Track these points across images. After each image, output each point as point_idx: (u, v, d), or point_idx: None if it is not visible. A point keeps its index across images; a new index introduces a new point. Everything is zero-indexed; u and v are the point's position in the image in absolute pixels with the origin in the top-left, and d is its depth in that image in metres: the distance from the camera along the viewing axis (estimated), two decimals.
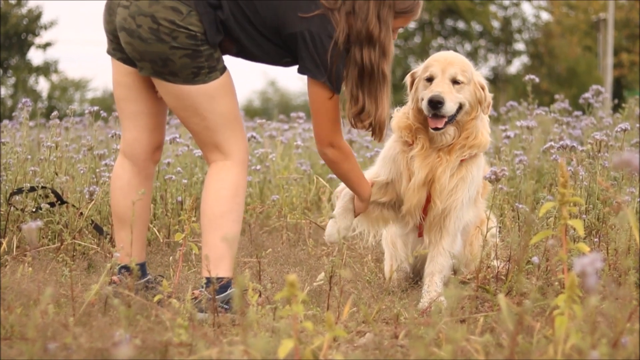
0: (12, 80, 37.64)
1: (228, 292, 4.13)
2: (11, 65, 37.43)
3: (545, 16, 44.32)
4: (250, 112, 35.35)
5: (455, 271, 4.87)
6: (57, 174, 6.24)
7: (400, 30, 4.58)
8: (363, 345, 3.47)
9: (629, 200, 5.21)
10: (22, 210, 5.62)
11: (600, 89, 8.70)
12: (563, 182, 3.17)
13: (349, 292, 4.43)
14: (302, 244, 6.10)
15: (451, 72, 4.50)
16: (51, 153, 6.43)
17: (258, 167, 7.48)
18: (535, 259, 4.20)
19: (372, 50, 4.23)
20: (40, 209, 5.57)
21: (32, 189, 5.70)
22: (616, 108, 9.68)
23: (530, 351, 3.00)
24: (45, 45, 37.80)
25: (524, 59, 44.18)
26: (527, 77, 7.87)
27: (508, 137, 7.55)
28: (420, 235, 4.72)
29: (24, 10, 37.10)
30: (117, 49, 4.27)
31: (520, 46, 43.83)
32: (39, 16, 37.20)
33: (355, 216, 4.70)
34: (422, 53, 41.36)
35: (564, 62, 40.82)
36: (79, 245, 5.56)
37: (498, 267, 4.55)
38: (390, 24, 4.28)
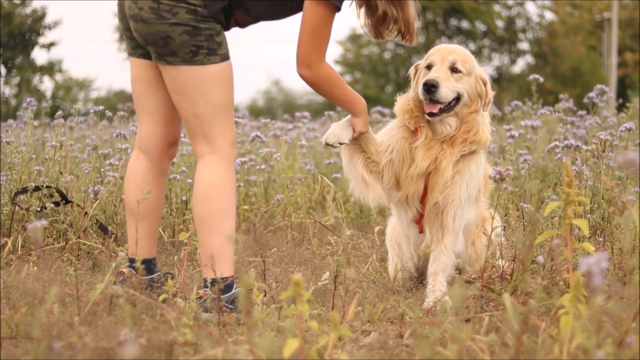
0: (16, 80, 37.71)
1: (233, 291, 4.13)
2: (15, 65, 37.49)
3: (549, 16, 44.33)
4: (255, 112, 35.36)
5: (459, 270, 4.87)
6: (61, 174, 6.25)
7: None
8: (368, 345, 3.47)
9: (633, 200, 5.21)
10: (27, 209, 5.63)
11: (605, 88, 8.68)
12: (568, 181, 3.17)
13: (353, 292, 4.43)
14: (306, 243, 6.10)
15: (450, 59, 4.53)
16: (56, 152, 6.43)
17: (262, 166, 7.48)
18: (540, 259, 4.20)
19: None
20: (45, 208, 5.57)
21: (37, 189, 5.71)
22: (620, 107, 9.67)
23: (536, 351, 3.00)
24: (50, 45, 37.87)
25: (528, 58, 44.17)
26: (531, 77, 7.86)
27: (512, 136, 7.54)
28: (421, 231, 4.72)
29: (28, 10, 37.16)
30: (136, 47, 4.29)
31: (524, 46, 43.84)
32: (43, 16, 37.26)
33: (355, 136, 4.62)
34: (427, 52, 41.36)
35: (568, 62, 40.78)
36: (84, 244, 5.56)
37: (503, 267, 4.55)
38: None
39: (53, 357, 3.02)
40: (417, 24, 4.43)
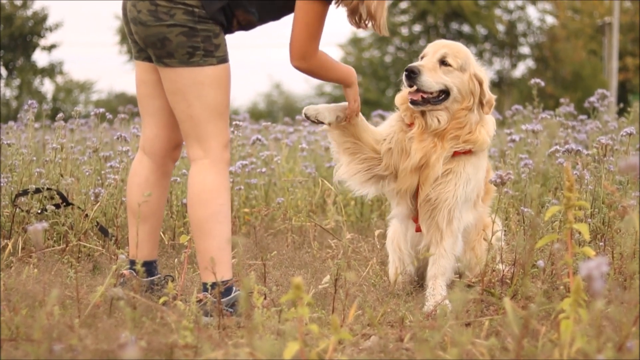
0: (17, 82, 37.73)
1: (233, 294, 4.13)
2: (16, 67, 37.51)
3: (550, 20, 44.34)
4: (255, 115, 35.37)
5: (459, 275, 4.87)
6: (62, 176, 6.25)
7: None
8: (368, 348, 3.47)
9: (634, 204, 5.21)
10: (28, 211, 5.63)
11: (606, 92, 8.69)
12: (569, 186, 3.17)
13: (354, 295, 4.43)
14: (307, 246, 6.09)
15: (442, 52, 4.55)
16: (56, 155, 6.43)
17: (263, 169, 7.48)
18: (540, 263, 4.20)
19: None
20: (46, 210, 5.58)
21: (38, 191, 5.71)
22: (621, 112, 9.67)
23: (536, 355, 3.00)
24: (51, 47, 37.90)
25: (529, 62, 44.17)
26: (532, 81, 7.86)
27: (513, 140, 7.54)
28: (418, 229, 4.72)
29: (29, 12, 37.18)
30: (140, 50, 4.30)
31: (525, 50, 43.84)
32: (44, 18, 37.29)
33: (349, 111, 4.60)
34: None
35: (569, 66, 40.79)
36: (84, 247, 5.57)
37: (503, 271, 4.55)
38: None
39: (53, 359, 3.02)
40: (383, 17, 4.38)
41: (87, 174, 6.41)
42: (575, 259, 3.53)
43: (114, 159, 6.73)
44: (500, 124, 11.32)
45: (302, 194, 7.09)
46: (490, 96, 4.61)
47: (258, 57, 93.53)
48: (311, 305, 3.97)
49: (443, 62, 4.54)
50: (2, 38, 35.77)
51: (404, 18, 42.42)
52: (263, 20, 4.29)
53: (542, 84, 7.85)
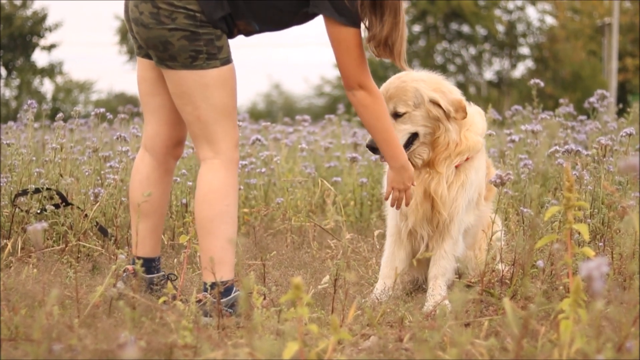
0: (16, 82, 37.72)
1: (232, 295, 4.13)
2: (16, 67, 37.51)
3: (549, 20, 44.34)
4: (255, 115, 35.33)
5: (460, 275, 4.87)
6: (61, 176, 6.24)
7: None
8: (367, 349, 3.47)
9: (634, 205, 5.21)
10: (27, 211, 5.63)
11: (605, 93, 8.68)
12: (569, 186, 3.17)
13: (353, 295, 4.43)
14: (306, 246, 6.10)
15: (390, 106, 4.49)
16: (56, 155, 6.43)
17: (263, 169, 7.49)
18: (540, 263, 4.20)
19: None
20: (45, 210, 5.58)
21: (37, 191, 5.71)
22: (621, 112, 9.67)
23: (535, 355, 3.00)
24: (50, 47, 37.90)
25: (529, 63, 44.17)
26: (532, 81, 7.85)
27: (513, 141, 7.54)
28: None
29: (29, 12, 37.19)
30: (141, 47, 4.29)
31: (524, 50, 43.83)
32: (44, 18, 37.29)
33: (387, 194, 4.52)
34: (427, 57, 41.38)
35: (568, 67, 40.79)
36: (84, 247, 5.57)
37: (503, 271, 4.55)
38: None
39: (53, 359, 3.02)
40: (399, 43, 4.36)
41: (87, 174, 6.41)
42: (574, 259, 3.53)
43: (113, 159, 6.73)
44: (500, 124, 11.32)
45: (302, 194, 7.10)
46: (455, 99, 4.54)
47: (258, 57, 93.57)
48: (311, 306, 3.97)
49: (396, 115, 4.50)
50: (1, 38, 35.77)
51: None
52: (263, 31, 4.29)
53: (542, 84, 7.85)
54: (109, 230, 5.74)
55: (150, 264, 4.43)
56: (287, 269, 5.20)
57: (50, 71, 38.37)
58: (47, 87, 66.84)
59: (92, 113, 7.29)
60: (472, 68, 43.56)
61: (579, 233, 3.26)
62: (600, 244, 5.05)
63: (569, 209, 3.17)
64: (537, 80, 7.86)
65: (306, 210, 7.00)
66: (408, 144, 4.50)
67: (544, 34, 43.18)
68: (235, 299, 4.12)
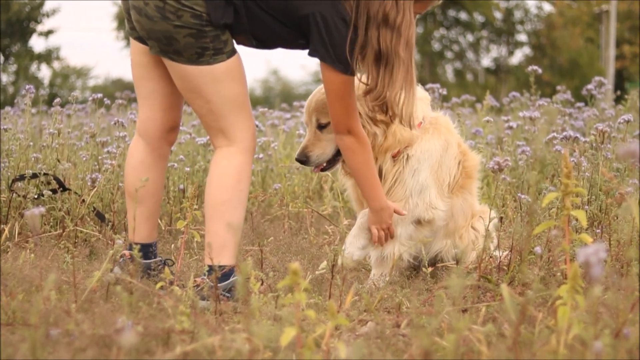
0: (13, 68, 37.65)
1: (230, 280, 4.12)
2: (13, 53, 37.44)
3: (547, 7, 44.44)
4: (252, 101, 35.04)
5: (457, 261, 4.87)
6: (59, 161, 6.24)
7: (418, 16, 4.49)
8: (365, 334, 3.47)
9: (631, 191, 5.21)
10: (24, 196, 5.62)
11: (603, 80, 8.69)
12: (566, 172, 3.16)
13: (350, 281, 4.43)
14: (303, 232, 6.10)
15: (314, 119, 4.62)
16: (53, 140, 6.43)
17: (260, 155, 7.48)
18: (537, 249, 4.20)
19: (388, 32, 4.15)
20: (42, 195, 5.57)
21: (34, 176, 5.70)
22: (618, 99, 9.68)
23: (533, 341, 3.00)
24: (47, 33, 37.82)
25: (526, 50, 44.20)
26: (529, 68, 7.85)
27: (510, 127, 7.55)
28: None
29: None
30: (133, 28, 4.24)
31: (522, 37, 43.87)
32: (41, 4, 37.20)
33: (373, 238, 4.63)
34: (425, 43, 41.35)
35: (566, 54, 40.81)
36: (81, 232, 5.56)
37: (500, 257, 4.55)
38: (409, 7, 4.20)
39: (50, 344, 3.02)
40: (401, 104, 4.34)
41: (84, 159, 6.40)
42: (572, 245, 3.53)
43: (111, 145, 6.72)
44: (498, 111, 11.33)
45: (299, 180, 7.10)
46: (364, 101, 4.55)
47: None
48: (308, 291, 3.96)
49: (321, 127, 4.59)
50: None
51: None
52: (259, 48, 4.29)
53: (539, 71, 7.84)
54: (106, 216, 5.74)
55: (147, 250, 4.43)
56: (284, 255, 5.20)
57: (48, 57, 38.30)
58: (44, 72, 66.75)
59: (90, 98, 7.28)
60: (470, 55, 43.59)
61: (577, 219, 3.26)
62: (598, 230, 5.05)
63: (566, 195, 3.17)
64: (535, 67, 7.85)
65: (303, 196, 7.00)
66: (338, 154, 4.59)
67: (541, 21, 43.19)
68: (233, 284, 4.11)
